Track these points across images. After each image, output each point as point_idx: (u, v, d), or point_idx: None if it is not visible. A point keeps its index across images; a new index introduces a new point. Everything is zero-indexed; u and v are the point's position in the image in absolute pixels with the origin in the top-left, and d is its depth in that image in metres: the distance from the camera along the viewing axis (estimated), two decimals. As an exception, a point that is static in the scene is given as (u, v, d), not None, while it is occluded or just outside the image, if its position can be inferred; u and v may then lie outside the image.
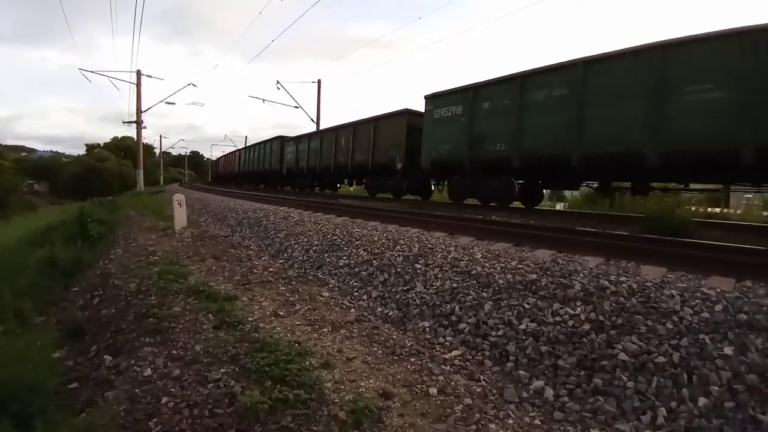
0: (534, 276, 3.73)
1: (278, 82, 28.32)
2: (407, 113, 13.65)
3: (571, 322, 3.09)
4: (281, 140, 24.30)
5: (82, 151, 73.10)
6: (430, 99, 12.18)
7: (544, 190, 12.32)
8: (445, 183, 13.06)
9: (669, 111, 7.16)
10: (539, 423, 2.41)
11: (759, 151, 6.19)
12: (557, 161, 8.92)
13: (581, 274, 3.58)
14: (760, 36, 6.28)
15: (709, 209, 10.48)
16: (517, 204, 11.32)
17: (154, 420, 2.42)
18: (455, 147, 11.23)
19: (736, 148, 6.40)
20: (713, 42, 6.73)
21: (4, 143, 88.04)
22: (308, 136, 21.02)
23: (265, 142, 27.58)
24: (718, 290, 3.03)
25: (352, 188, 20.58)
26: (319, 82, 29.50)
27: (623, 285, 3.26)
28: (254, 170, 29.27)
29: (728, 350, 2.49)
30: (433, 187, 14.83)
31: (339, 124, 18.02)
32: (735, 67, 6.47)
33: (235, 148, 41.41)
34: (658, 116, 7.26)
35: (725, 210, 11.14)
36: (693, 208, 9.61)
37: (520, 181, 10.71)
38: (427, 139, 12.15)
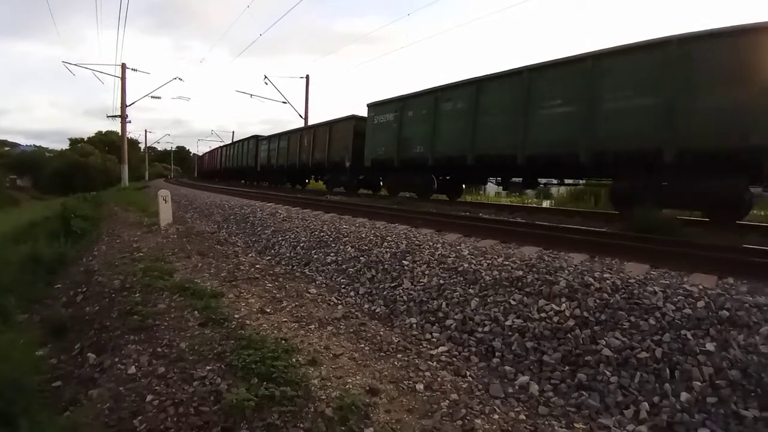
0: (520, 273, 3.76)
1: (266, 77, 28.19)
2: (354, 118, 15.87)
3: (556, 318, 3.13)
4: (256, 139, 26.45)
5: (65, 145, 71.90)
6: (371, 107, 14.59)
7: (463, 185, 14.55)
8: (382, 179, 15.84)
9: (531, 122, 9.28)
10: (524, 418, 2.43)
11: (593, 154, 8.13)
12: (458, 161, 11.14)
13: (566, 271, 3.62)
14: (595, 61, 8.12)
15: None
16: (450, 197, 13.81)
17: (139, 418, 2.39)
18: (388, 148, 13.57)
19: (577, 151, 8.24)
20: (561, 66, 8.80)
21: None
22: (278, 136, 23.15)
23: (242, 141, 29.83)
24: (701, 287, 3.08)
25: (319, 183, 22.77)
26: (307, 77, 29.33)
27: (607, 282, 3.30)
28: (234, 167, 31.28)
29: (710, 346, 2.53)
30: (381, 183, 16.75)
31: (303, 126, 21.18)
32: (576, 88, 8.41)
33: (221, 144, 42.02)
34: (524, 126, 9.38)
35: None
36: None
37: (440, 177, 13.20)
38: (369, 141, 14.60)
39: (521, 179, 11.01)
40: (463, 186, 14.55)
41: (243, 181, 30.32)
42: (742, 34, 6.40)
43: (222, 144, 41.00)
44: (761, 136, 6.15)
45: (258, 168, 25.98)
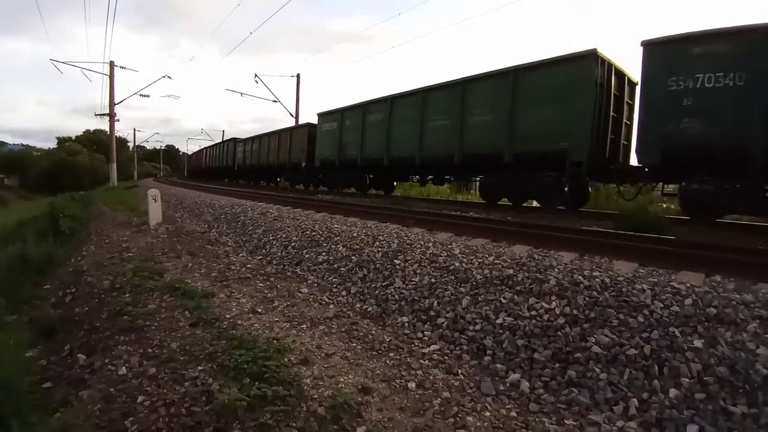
0: (511, 271, 3.78)
1: (256, 75, 28.05)
2: (309, 125, 18.75)
3: (546, 316, 3.15)
4: (234, 141, 29.51)
5: (53, 144, 71.00)
6: (321, 116, 17.16)
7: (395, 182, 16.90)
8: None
9: (425, 131, 11.80)
10: (515, 415, 2.46)
11: (515, 155, 9.40)
12: (379, 163, 13.62)
13: (556, 269, 3.65)
14: (509, 77, 9.53)
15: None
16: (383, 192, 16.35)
17: (130, 419, 2.39)
18: (332, 152, 16.11)
19: (502, 152, 9.54)
20: (485, 80, 10.29)
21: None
22: (251, 139, 25.79)
23: (223, 143, 33.43)
24: (688, 285, 3.12)
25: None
26: (298, 76, 29.24)
27: (596, 280, 3.33)
28: (217, 166, 33.87)
29: (698, 343, 2.57)
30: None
31: (271, 130, 23.41)
32: (496, 99, 9.91)
33: (211, 143, 42.61)
34: (420, 134, 11.98)
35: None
36: (665, 206, 9.90)
37: (371, 176, 15.70)
38: (318, 145, 17.19)
39: (418, 176, 14.11)
40: (394, 183, 16.96)
41: (225, 180, 32.33)
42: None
43: (208, 145, 41.83)
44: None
45: (235, 167, 28.56)
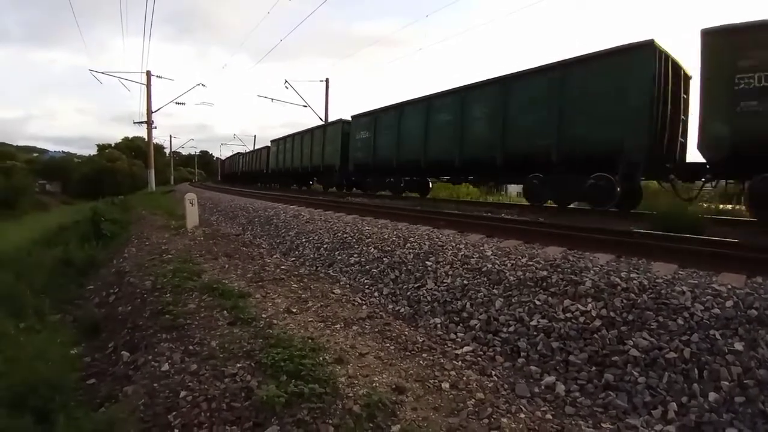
0: (545, 273, 3.74)
1: (286, 81, 28.42)
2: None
3: (582, 319, 3.11)
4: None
5: (93, 151, 73.87)
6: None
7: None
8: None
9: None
10: (551, 417, 2.44)
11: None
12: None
13: (592, 271, 3.59)
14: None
15: (721, 206, 10.39)
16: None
17: (173, 414, 2.47)
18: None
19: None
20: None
21: (15, 144, 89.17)
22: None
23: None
24: (729, 286, 3.03)
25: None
26: (327, 80, 29.51)
27: (634, 282, 3.27)
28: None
29: (739, 346, 2.50)
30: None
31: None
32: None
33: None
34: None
35: (737, 207, 11.07)
36: (705, 205, 9.56)
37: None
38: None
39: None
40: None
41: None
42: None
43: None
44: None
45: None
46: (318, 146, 20.18)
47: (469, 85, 11.65)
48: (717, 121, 6.87)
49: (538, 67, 9.76)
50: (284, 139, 25.46)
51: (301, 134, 22.68)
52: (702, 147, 7.22)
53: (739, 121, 6.57)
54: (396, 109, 14.45)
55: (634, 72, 7.87)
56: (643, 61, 7.78)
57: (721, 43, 6.81)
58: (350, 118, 17.32)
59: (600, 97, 8.32)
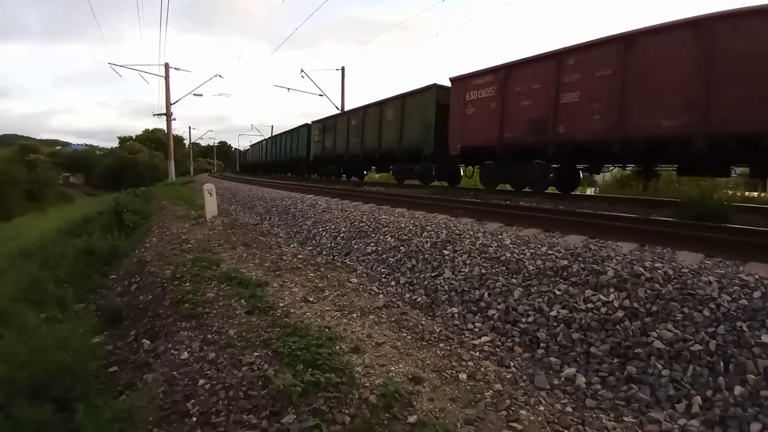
0: (565, 262, 3.67)
1: (302, 70, 28.32)
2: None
3: (603, 309, 3.04)
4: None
5: (114, 143, 75.43)
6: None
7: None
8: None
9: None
10: (571, 410, 2.39)
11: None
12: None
13: (614, 260, 3.50)
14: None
15: (747, 194, 10.11)
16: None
17: (192, 401, 2.50)
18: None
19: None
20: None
21: (39, 138, 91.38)
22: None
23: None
24: (757, 276, 2.93)
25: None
26: (342, 69, 29.33)
27: (658, 271, 3.17)
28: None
29: (766, 338, 2.42)
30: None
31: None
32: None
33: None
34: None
35: (762, 194, 10.76)
36: (730, 192, 9.29)
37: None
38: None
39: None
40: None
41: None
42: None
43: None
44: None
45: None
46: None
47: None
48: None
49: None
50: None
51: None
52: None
53: None
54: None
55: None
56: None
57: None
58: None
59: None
